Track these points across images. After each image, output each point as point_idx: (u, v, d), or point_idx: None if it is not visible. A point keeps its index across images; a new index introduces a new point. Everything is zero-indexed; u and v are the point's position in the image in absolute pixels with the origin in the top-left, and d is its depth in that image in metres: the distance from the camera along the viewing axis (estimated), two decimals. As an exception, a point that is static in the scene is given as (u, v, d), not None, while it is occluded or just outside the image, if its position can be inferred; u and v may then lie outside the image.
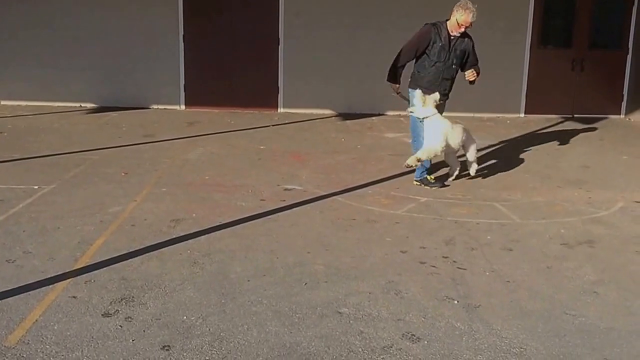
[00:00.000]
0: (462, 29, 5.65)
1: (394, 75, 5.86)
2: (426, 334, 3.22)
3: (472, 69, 5.78)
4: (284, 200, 5.43)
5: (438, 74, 5.76)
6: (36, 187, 5.59)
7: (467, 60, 5.81)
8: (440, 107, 5.74)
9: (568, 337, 3.24)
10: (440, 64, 5.72)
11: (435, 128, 5.57)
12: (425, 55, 5.77)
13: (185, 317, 3.32)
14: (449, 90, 5.89)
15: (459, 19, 5.58)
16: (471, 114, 9.93)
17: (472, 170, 6.10)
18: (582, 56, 10.45)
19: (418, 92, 5.64)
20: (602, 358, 3.05)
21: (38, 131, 8.22)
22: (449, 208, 5.36)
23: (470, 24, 5.61)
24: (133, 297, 3.53)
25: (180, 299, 3.53)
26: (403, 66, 5.88)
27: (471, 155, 6.02)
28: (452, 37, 5.70)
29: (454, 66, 5.76)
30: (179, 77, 10.14)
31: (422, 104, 5.56)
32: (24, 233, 4.48)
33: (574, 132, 9.26)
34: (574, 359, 3.04)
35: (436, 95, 5.58)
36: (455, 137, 5.75)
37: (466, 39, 5.77)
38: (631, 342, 3.20)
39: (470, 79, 5.80)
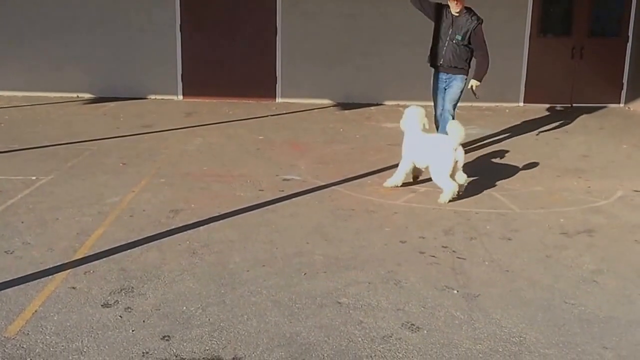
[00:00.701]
0: (453, 2, 6.20)
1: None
2: (426, 324, 3.23)
3: (476, 80, 6.36)
4: (283, 191, 5.42)
5: (440, 48, 6.43)
6: (34, 177, 5.57)
7: (470, 39, 6.32)
8: (452, 80, 6.45)
9: (567, 326, 3.25)
10: (442, 39, 6.38)
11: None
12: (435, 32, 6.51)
13: (184, 308, 3.32)
14: (454, 63, 6.40)
15: None
16: (469, 104, 9.88)
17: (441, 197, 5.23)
18: (581, 44, 10.40)
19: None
20: (601, 347, 3.06)
21: (35, 122, 8.19)
22: (448, 198, 5.35)
23: None
24: (132, 287, 3.53)
25: (179, 289, 3.53)
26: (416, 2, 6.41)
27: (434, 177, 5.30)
28: (454, 16, 6.30)
29: (454, 41, 6.32)
30: (176, 67, 10.09)
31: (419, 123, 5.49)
32: (22, 224, 4.47)
33: (573, 121, 9.25)
34: (573, 347, 3.04)
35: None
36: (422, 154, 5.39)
37: (471, 19, 6.27)
38: (630, 331, 3.21)
39: (474, 90, 6.44)
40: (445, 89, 6.51)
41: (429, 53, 6.59)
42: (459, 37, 6.27)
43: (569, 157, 7.03)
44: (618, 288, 3.71)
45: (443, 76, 6.49)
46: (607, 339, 3.12)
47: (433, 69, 6.60)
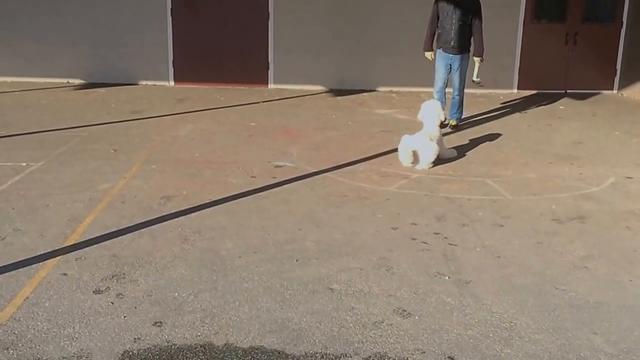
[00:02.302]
0: None
1: (427, 45, 7.33)
2: (417, 310, 3.24)
3: (479, 57, 7.27)
4: (275, 177, 5.40)
5: (449, 31, 7.08)
6: (24, 164, 5.53)
7: (472, 21, 7.09)
8: (458, 61, 7.22)
9: (558, 311, 3.27)
10: (449, 22, 7.05)
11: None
12: (440, 18, 7.21)
13: (176, 294, 3.32)
14: (463, 43, 7.16)
15: None
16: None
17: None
18: (575, 30, 10.36)
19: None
20: (591, 332, 3.08)
21: (25, 108, 8.12)
22: (440, 184, 5.36)
23: None
24: (124, 274, 3.52)
25: (171, 275, 3.52)
26: (432, 35, 7.27)
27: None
28: (456, 0, 7.01)
29: (460, 22, 7.02)
30: (167, 53, 10.00)
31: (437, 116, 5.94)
32: (13, 210, 4.44)
33: (567, 108, 9.26)
34: (564, 333, 3.06)
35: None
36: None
37: (471, 1, 7.06)
38: (620, 317, 3.23)
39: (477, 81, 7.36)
40: (452, 68, 7.19)
41: (432, 38, 7.23)
42: (465, 19, 7.01)
43: (562, 143, 7.05)
44: (608, 274, 3.73)
45: (450, 56, 7.17)
46: (597, 325, 3.15)
47: (437, 51, 7.24)
